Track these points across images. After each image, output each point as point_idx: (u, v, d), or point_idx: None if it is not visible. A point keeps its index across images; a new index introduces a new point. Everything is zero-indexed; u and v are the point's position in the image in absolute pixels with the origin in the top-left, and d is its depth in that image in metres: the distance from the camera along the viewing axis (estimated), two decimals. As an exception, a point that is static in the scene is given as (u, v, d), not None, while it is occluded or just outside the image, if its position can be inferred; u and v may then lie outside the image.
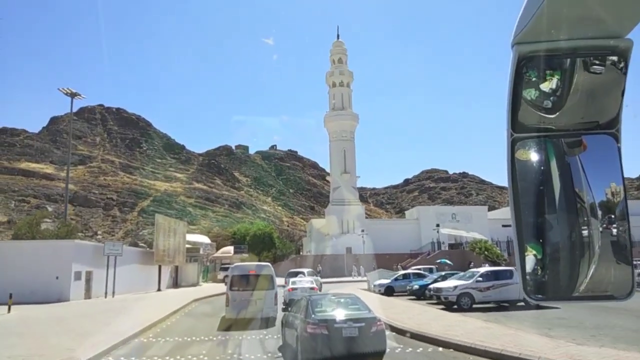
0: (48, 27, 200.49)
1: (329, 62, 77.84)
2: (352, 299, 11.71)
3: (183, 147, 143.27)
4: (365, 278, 44.88)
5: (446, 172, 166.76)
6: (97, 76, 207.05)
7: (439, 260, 53.42)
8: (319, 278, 34.16)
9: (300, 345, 10.19)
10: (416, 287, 25.81)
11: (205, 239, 60.38)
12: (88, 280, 30.79)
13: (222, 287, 43.03)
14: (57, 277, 28.51)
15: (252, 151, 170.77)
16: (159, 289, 38.81)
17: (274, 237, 72.24)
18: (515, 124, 1.43)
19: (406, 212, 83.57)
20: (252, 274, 17.41)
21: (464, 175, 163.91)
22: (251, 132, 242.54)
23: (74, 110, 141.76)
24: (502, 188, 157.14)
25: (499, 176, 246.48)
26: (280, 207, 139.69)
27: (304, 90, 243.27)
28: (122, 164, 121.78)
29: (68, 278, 28.60)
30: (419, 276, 29.75)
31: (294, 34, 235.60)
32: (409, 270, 32.15)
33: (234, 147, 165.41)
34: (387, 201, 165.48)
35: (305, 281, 26.37)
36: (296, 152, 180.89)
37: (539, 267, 1.45)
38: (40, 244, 30.11)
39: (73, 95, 50.93)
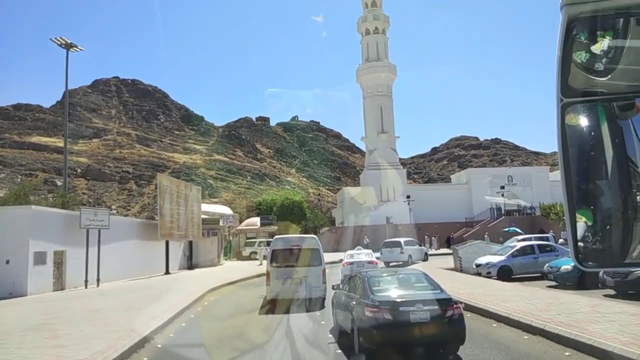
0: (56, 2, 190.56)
1: (361, 6, 66.02)
2: (417, 276, 9.71)
3: (202, 118, 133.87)
4: (433, 250, 34.70)
5: (477, 138, 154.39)
6: (112, 47, 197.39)
7: (506, 229, 42.87)
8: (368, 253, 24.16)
9: (357, 331, 8.40)
10: (568, 268, 15.05)
11: (226, 210, 50.43)
12: (58, 264, 20.90)
13: (248, 267, 33.34)
14: (7, 261, 18.66)
15: (273, 123, 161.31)
16: (167, 272, 28.97)
17: (304, 207, 61.94)
18: (565, 89, 1.36)
19: (452, 176, 72.48)
20: (296, 247, 14.96)
21: (497, 141, 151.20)
22: (273, 104, 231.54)
23: (88, 83, 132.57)
24: (537, 153, 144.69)
25: (535, 141, 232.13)
26: (305, 179, 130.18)
27: (324, 61, 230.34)
28: (138, 137, 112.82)
29: (24, 262, 18.73)
30: (546, 250, 19.16)
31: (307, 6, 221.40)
32: (532, 242, 21.31)
33: (254, 119, 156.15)
34: (414, 171, 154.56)
35: (363, 254, 22.50)
36: (318, 122, 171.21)
37: (590, 234, 1.39)
38: None
39: (68, 46, 40.77)
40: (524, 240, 23.70)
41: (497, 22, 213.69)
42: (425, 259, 32.15)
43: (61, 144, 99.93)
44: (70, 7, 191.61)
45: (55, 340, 9.66)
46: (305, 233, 60.42)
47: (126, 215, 65.60)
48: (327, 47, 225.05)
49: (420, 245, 33.83)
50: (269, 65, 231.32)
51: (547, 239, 25.15)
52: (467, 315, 12.05)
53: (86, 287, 21.48)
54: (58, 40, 40.57)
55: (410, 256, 29.89)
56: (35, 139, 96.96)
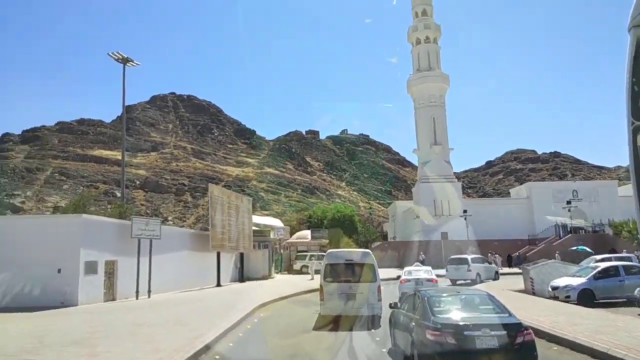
0: (120, 14, 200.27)
1: (411, 16, 64.39)
2: (481, 297, 8.78)
3: (254, 132, 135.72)
4: (497, 268, 32.27)
5: (534, 151, 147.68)
6: (169, 64, 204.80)
7: (574, 248, 39.63)
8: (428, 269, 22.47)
9: (418, 357, 7.71)
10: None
11: (277, 222, 49.71)
12: (110, 274, 20.52)
13: (299, 281, 32.23)
14: (58, 270, 18.38)
15: (322, 136, 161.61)
16: (218, 284, 28.28)
17: (355, 220, 60.36)
18: (635, 112, 1.35)
19: (511, 190, 68.80)
20: (350, 262, 14.25)
21: (556, 154, 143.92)
22: (322, 117, 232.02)
23: (147, 98, 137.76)
24: (600, 168, 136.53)
25: (597, 155, 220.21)
26: (355, 192, 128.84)
27: (374, 76, 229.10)
28: (194, 150, 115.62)
29: (75, 271, 18.39)
30: (631, 271, 16.78)
31: (365, 25, 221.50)
32: (615, 262, 18.94)
33: (304, 132, 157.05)
34: (468, 185, 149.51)
35: (422, 271, 21.43)
36: (368, 135, 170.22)
37: None
38: (36, 221, 20.20)
39: (125, 61, 41.78)
40: (604, 260, 21.19)
41: (555, 31, 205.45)
42: (495, 278, 29.99)
43: (121, 157, 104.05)
44: (129, 25, 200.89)
45: (92, 358, 8.77)
46: (356, 247, 58.88)
47: (181, 226, 66.44)
48: (376, 58, 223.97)
49: (490, 263, 31.65)
50: (319, 78, 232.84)
51: (629, 259, 22.46)
52: (554, 348, 10.27)
53: (137, 298, 20.97)
54: (115, 55, 41.54)
55: (478, 274, 28.02)
56: (97, 152, 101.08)
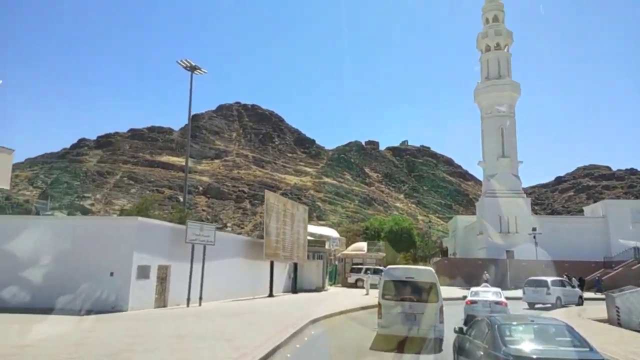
0: (190, 25, 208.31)
1: (481, 22, 61.58)
2: (558, 327, 7.87)
3: (313, 141, 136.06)
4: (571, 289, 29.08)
5: (609, 168, 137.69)
6: (235, 73, 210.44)
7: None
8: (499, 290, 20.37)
9: None
10: None
11: (332, 232, 48.48)
12: (162, 280, 20.10)
13: (354, 295, 30.79)
14: (111, 274, 18.11)
15: (382, 147, 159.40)
16: (270, 294, 27.43)
17: (414, 234, 57.98)
18: None
19: (585, 208, 63.70)
20: (410, 280, 13.22)
21: (632, 171, 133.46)
22: (382, 128, 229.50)
23: (213, 107, 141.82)
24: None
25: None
26: (414, 205, 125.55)
27: (438, 85, 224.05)
28: (255, 158, 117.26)
29: (127, 275, 18.05)
30: None
31: (431, 30, 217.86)
32: None
33: (363, 143, 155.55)
34: (535, 202, 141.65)
35: (490, 293, 19.43)
36: (429, 147, 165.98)
37: None
38: (91, 222, 20.17)
39: (193, 68, 42.62)
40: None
41: (634, 40, 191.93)
42: (579, 303, 27.28)
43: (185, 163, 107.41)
44: (199, 36, 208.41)
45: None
46: (414, 262, 56.41)
47: (239, 233, 66.88)
48: (441, 67, 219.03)
49: (573, 287, 28.88)
50: (380, 88, 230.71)
51: None
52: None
53: (188, 305, 20.43)
54: (183, 63, 42.35)
55: (558, 298, 25.70)
56: (165, 158, 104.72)
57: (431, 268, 14.92)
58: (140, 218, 19.40)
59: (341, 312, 20.86)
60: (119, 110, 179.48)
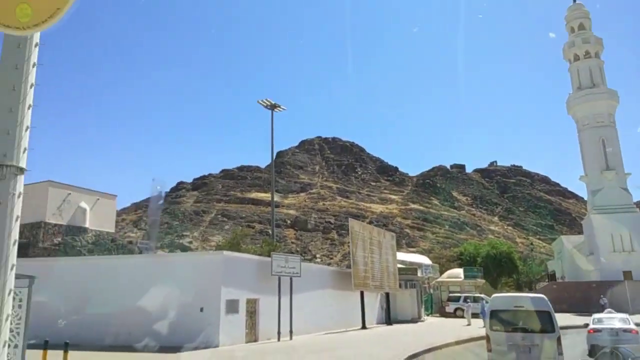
0: (263, 67, 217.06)
1: (566, 32, 57.39)
2: None
3: (396, 169, 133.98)
4: None
5: None
6: (315, 109, 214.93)
7: None
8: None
9: None
10: None
11: (424, 259, 45.96)
12: (251, 314, 19.54)
13: (455, 326, 28.35)
14: (201, 309, 17.84)
15: (469, 170, 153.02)
16: (363, 326, 25.94)
17: (515, 258, 53.42)
18: None
19: None
20: (521, 309, 12.30)
21: None
22: (466, 150, 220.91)
23: (296, 143, 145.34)
24: None
25: None
26: (510, 227, 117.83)
27: (522, 102, 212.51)
28: (338, 189, 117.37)
29: (216, 310, 17.68)
30: None
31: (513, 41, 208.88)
32: None
33: (448, 167, 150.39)
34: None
35: (616, 319, 17.13)
36: (521, 167, 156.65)
37: None
38: (176, 258, 20.19)
39: (273, 107, 43.91)
40: None
41: None
42: None
43: (275, 199, 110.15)
44: (274, 75, 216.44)
45: None
46: (518, 288, 51.88)
47: (328, 264, 66.12)
48: (524, 83, 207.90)
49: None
50: (460, 111, 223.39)
51: None
52: None
53: (279, 339, 19.63)
54: (264, 102, 43.57)
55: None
56: (254, 194, 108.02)
57: (543, 295, 13.39)
58: (225, 252, 19.18)
59: (444, 346, 18.89)
60: (210, 153, 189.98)
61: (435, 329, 25.94)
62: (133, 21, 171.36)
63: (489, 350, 12.22)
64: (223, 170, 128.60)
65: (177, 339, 17.50)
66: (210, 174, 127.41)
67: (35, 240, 46.63)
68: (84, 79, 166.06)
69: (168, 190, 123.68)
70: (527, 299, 12.86)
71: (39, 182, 50.74)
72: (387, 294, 30.05)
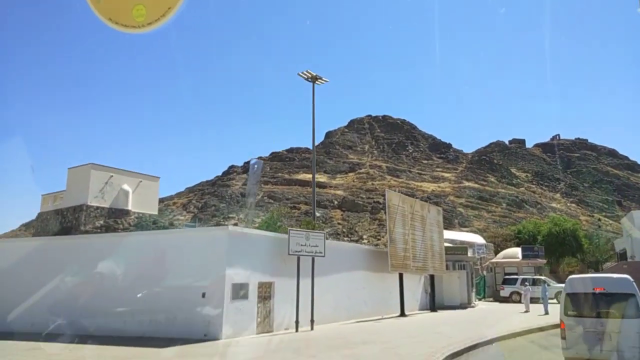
0: (312, 49, 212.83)
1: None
2: None
3: (450, 146, 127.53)
4: None
5: None
6: (364, 87, 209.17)
7: None
8: None
9: None
10: None
11: (477, 238, 41.52)
12: (265, 300, 16.71)
13: (511, 313, 24.45)
14: (202, 295, 15.21)
15: (529, 144, 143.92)
16: (402, 313, 22.57)
17: (580, 236, 47.63)
18: None
19: None
20: (600, 291, 11.06)
21: None
22: (526, 124, 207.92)
23: (344, 123, 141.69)
24: None
25: None
26: (574, 205, 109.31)
27: (587, 72, 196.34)
28: (388, 168, 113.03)
29: (220, 295, 14.98)
30: None
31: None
32: None
33: (507, 142, 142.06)
34: None
35: None
36: (586, 140, 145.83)
37: None
38: (175, 235, 17.46)
39: (314, 79, 40.68)
40: None
41: None
42: None
43: (322, 179, 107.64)
44: (327, 55, 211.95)
45: None
46: (582, 268, 46.42)
47: (376, 245, 62.74)
48: (584, 52, 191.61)
49: None
50: (518, 84, 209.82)
51: None
52: None
53: (296, 329, 16.72)
54: (304, 74, 40.41)
55: None
56: (301, 176, 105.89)
57: (627, 276, 11.48)
58: (231, 227, 16.35)
59: (500, 338, 15.27)
60: (261, 136, 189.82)
61: (487, 317, 22.17)
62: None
63: (563, 338, 11.18)
64: (272, 153, 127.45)
65: (175, 329, 15.01)
66: (260, 157, 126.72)
67: (77, 224, 46.45)
68: (140, 67, 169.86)
69: (220, 174, 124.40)
70: (608, 280, 11.74)
71: (81, 165, 50.65)
72: (432, 277, 26.36)
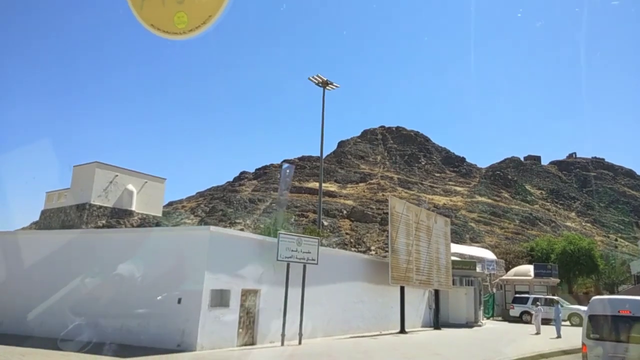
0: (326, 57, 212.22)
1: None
2: None
3: (463, 159, 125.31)
4: None
5: None
6: (377, 98, 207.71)
7: None
8: None
9: None
10: None
11: (487, 253, 39.48)
12: (248, 310, 15.20)
13: (520, 334, 22.56)
14: (178, 300, 13.77)
15: (545, 162, 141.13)
16: (401, 330, 20.84)
17: (596, 255, 45.26)
18: None
19: None
20: (626, 314, 10.31)
21: None
22: (542, 141, 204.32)
23: (357, 134, 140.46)
24: None
25: None
26: (589, 224, 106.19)
27: (604, 91, 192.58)
28: (400, 180, 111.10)
29: (197, 302, 13.52)
30: None
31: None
32: None
33: (522, 158, 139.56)
34: None
35: None
36: (603, 159, 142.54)
37: None
38: (152, 234, 16.00)
39: (325, 84, 39.56)
40: None
41: None
42: None
43: (332, 188, 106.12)
44: (344, 64, 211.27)
45: None
46: (598, 290, 44.12)
47: (384, 257, 60.87)
48: (602, 72, 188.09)
49: None
50: (537, 100, 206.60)
51: None
52: None
53: (282, 343, 15.16)
54: (315, 79, 39.28)
55: None
56: (311, 184, 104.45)
57: None
58: (213, 227, 14.88)
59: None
60: (274, 143, 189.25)
61: (494, 338, 20.31)
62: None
63: None
64: (284, 160, 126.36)
65: (147, 337, 13.56)
66: (271, 164, 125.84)
67: (80, 222, 45.56)
68: (158, 72, 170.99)
69: (231, 179, 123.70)
70: (635, 303, 10.64)
71: (86, 163, 49.84)
72: (437, 292, 24.58)
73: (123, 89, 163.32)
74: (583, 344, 10.77)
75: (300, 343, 15.58)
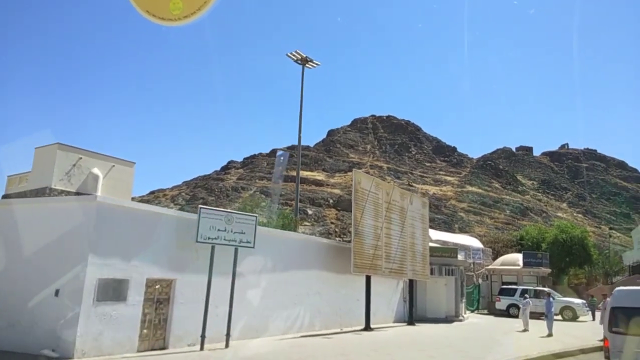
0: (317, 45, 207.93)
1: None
2: None
3: (454, 149, 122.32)
4: None
5: None
6: (368, 87, 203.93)
7: None
8: None
9: None
10: None
11: (473, 241, 36.25)
12: (158, 304, 11.82)
13: (508, 330, 19.30)
14: (56, 292, 10.39)
15: (537, 152, 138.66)
16: (367, 327, 17.56)
17: (589, 245, 42.16)
18: None
19: None
20: None
21: None
22: (534, 132, 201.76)
23: (348, 122, 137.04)
24: None
25: None
26: (580, 215, 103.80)
27: (598, 82, 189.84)
28: (390, 169, 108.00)
29: (77, 295, 10.14)
30: None
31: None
32: None
33: (514, 149, 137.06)
34: None
35: None
36: (595, 150, 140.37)
37: None
38: (33, 206, 12.47)
39: (304, 61, 35.92)
40: None
41: None
42: None
43: (320, 177, 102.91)
44: (335, 53, 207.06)
45: None
46: (590, 281, 41.21)
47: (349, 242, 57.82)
48: (596, 63, 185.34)
49: None
50: (529, 90, 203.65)
51: None
52: None
53: (202, 347, 11.81)
54: (293, 55, 35.65)
55: None
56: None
57: None
58: (100, 198, 11.45)
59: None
60: (262, 133, 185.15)
61: (473, 336, 17.09)
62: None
63: (607, 358, 9.77)
64: (273, 149, 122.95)
65: (16, 339, 10.23)
66: (260, 153, 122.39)
67: (37, 206, 42.02)
68: (148, 63, 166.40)
69: (219, 169, 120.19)
70: None
71: (47, 145, 46.26)
72: (412, 282, 21.29)
73: (115, 80, 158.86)
74: (605, 338, 10.08)
75: (227, 346, 12.25)
